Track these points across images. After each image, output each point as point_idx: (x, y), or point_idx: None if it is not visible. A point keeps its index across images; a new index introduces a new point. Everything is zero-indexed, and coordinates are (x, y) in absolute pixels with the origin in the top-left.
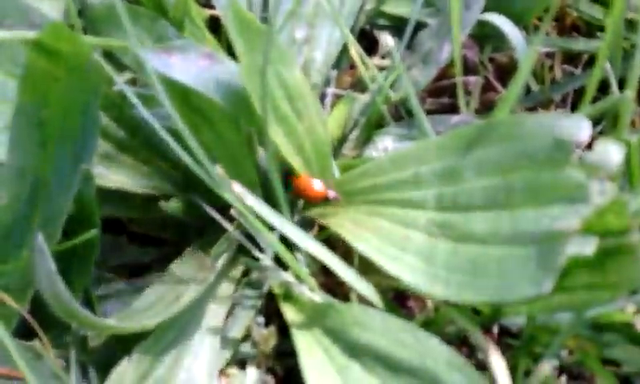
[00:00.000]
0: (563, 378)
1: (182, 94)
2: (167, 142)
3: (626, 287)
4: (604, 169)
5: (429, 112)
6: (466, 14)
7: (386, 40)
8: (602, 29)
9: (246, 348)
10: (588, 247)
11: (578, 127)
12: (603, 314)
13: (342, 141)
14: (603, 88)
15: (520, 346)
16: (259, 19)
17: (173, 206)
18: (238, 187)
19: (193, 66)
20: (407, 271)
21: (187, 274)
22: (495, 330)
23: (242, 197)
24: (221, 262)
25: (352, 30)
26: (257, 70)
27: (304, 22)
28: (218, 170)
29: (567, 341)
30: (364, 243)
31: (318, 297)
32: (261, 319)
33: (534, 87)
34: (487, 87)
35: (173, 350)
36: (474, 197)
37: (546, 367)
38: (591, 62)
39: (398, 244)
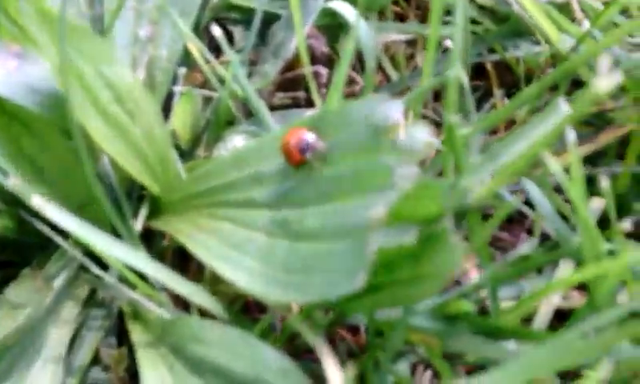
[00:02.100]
0: (428, 373)
1: None
2: None
3: (442, 277)
4: (412, 152)
5: (282, 107)
6: (310, 3)
7: (215, 32)
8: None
9: (96, 373)
10: (407, 236)
11: (389, 109)
12: (441, 304)
13: (195, 142)
14: None
15: (367, 345)
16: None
17: None
18: (37, 199)
19: None
20: (245, 275)
21: (24, 298)
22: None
23: (42, 209)
24: (59, 281)
25: (197, 26)
26: (69, 66)
27: (146, 20)
28: (13, 180)
29: (412, 335)
30: (203, 249)
31: (166, 313)
32: (112, 340)
33: (395, 76)
34: (351, 80)
35: (7, 382)
36: (308, 192)
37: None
38: None
39: (240, 247)
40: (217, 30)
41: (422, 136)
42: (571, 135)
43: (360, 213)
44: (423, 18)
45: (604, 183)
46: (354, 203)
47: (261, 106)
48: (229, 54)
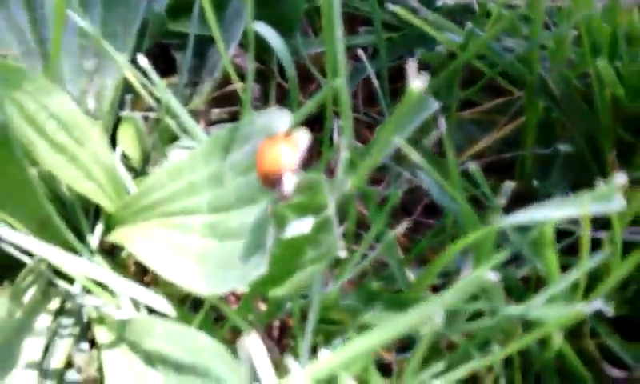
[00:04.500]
0: None
1: None
2: None
3: (326, 257)
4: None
5: (221, 121)
6: (234, 25)
7: (143, 63)
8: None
9: (71, 376)
10: (305, 227)
11: (278, 120)
12: (363, 284)
13: (145, 160)
14: None
15: (294, 328)
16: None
17: None
18: None
19: None
20: (184, 275)
21: None
22: None
23: (3, 234)
24: (29, 296)
25: (137, 52)
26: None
27: (91, 53)
28: None
29: (332, 314)
30: (149, 255)
31: (124, 314)
32: (84, 345)
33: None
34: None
35: None
36: (232, 196)
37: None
38: (375, 53)
39: (180, 251)
40: (144, 61)
41: (303, 141)
42: (442, 126)
43: (260, 212)
44: (351, 30)
45: (472, 167)
46: (258, 205)
47: (192, 123)
48: (157, 81)
